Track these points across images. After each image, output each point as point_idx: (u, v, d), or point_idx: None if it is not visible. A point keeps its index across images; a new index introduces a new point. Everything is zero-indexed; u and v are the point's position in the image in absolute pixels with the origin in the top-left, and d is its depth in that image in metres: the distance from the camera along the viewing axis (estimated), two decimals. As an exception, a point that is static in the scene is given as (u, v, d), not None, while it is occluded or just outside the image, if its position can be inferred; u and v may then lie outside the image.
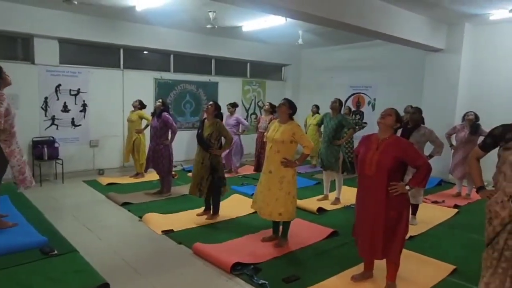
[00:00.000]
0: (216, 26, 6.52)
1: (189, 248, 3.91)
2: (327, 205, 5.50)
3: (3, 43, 6.57)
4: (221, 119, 4.87)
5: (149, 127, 6.21)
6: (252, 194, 6.03)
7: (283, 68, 10.63)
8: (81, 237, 4.09)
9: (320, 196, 5.86)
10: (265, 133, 4.29)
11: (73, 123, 7.06)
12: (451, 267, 3.51)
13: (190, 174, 7.52)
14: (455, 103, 7.12)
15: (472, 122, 5.95)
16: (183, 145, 8.31)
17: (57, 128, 6.87)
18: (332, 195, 5.82)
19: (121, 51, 7.60)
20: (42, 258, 3.41)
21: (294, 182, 3.90)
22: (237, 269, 3.42)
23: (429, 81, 7.48)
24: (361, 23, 5.49)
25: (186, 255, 3.81)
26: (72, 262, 3.39)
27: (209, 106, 4.77)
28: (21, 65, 6.47)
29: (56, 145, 6.71)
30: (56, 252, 3.49)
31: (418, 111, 4.72)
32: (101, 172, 7.40)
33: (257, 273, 3.37)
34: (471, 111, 6.04)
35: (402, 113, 7.12)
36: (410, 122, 4.72)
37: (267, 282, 3.18)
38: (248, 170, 8.11)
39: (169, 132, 5.83)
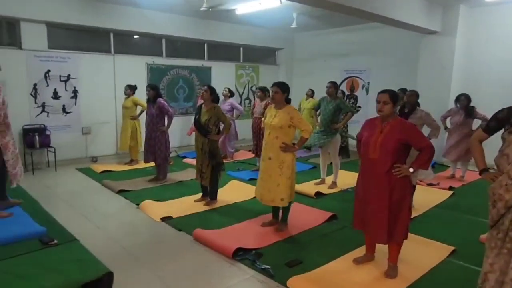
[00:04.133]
0: (211, 9, 6.36)
1: (189, 235, 3.89)
2: (324, 189, 5.52)
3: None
4: (217, 103, 4.80)
5: (144, 115, 6.09)
6: (250, 179, 6.10)
7: (276, 52, 10.51)
8: (79, 226, 4.03)
9: (317, 180, 5.87)
10: (263, 119, 4.24)
11: (64, 110, 6.90)
12: (450, 248, 3.56)
13: (187, 160, 7.54)
14: (450, 86, 7.14)
15: (465, 105, 5.96)
16: (177, 131, 8.22)
17: (47, 116, 6.71)
18: (329, 179, 5.83)
19: (111, 35, 7.40)
20: (42, 248, 3.35)
21: (293, 167, 3.88)
22: (239, 254, 3.41)
23: (424, 64, 7.47)
24: (357, 5, 5.40)
25: (186, 241, 3.79)
26: (73, 251, 3.33)
27: (204, 92, 4.68)
28: (7, 50, 6.26)
29: (47, 132, 6.58)
30: (55, 241, 3.43)
31: (415, 94, 4.71)
32: (94, 159, 7.29)
33: (259, 258, 3.37)
34: (462, 94, 6.03)
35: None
36: (406, 105, 4.71)
37: (269, 267, 3.18)
38: (243, 155, 8.09)
39: (165, 118, 5.74)
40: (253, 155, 7.61)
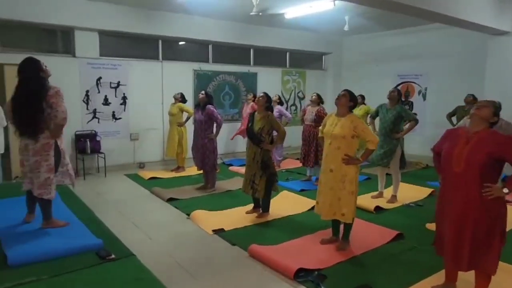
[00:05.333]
0: (261, 13, 6.16)
1: (244, 250, 3.65)
2: (383, 203, 5.11)
3: (44, 36, 6.52)
4: (272, 111, 4.56)
5: (191, 120, 5.99)
6: (301, 190, 5.80)
7: (323, 57, 10.16)
8: (131, 236, 3.91)
9: (375, 193, 5.45)
10: (320, 128, 3.95)
11: (113, 116, 6.97)
12: (547, 279, 3.07)
13: (233, 168, 7.37)
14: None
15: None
16: (223, 138, 8.06)
17: (98, 122, 6.80)
18: (387, 192, 5.41)
19: (160, 42, 7.41)
20: (99, 264, 3.22)
21: (356, 181, 3.56)
22: (300, 275, 3.12)
23: (492, 68, 6.83)
24: (421, 4, 4.99)
25: (241, 257, 3.55)
26: (131, 268, 3.19)
27: (260, 98, 4.46)
28: (62, 58, 6.40)
29: (98, 138, 6.64)
30: (113, 256, 3.30)
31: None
32: (141, 165, 7.30)
33: (323, 281, 3.07)
34: None
35: (462, 103, 6.65)
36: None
37: (337, 293, 2.87)
38: (291, 163, 7.80)
39: (214, 126, 5.58)
40: (301, 164, 7.33)
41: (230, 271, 3.29)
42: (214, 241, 3.94)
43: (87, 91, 6.62)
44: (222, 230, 4.15)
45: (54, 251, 3.29)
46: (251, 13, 6.20)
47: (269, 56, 9.15)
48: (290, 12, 6.97)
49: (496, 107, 2.59)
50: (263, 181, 4.38)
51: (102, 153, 6.58)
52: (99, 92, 6.74)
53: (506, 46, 6.64)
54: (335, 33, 9.06)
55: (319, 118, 6.02)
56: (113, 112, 6.94)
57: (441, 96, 7.98)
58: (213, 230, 4.13)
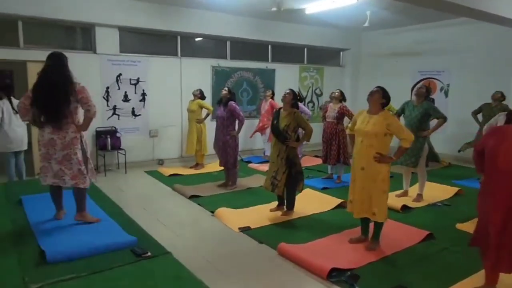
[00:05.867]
0: (282, 9, 6.08)
1: (272, 248, 3.61)
2: (409, 202, 5.00)
3: (65, 33, 6.54)
4: (298, 108, 4.49)
5: (211, 117, 5.95)
6: (323, 188, 5.73)
7: (341, 53, 10.03)
8: (157, 233, 3.88)
9: (399, 192, 5.35)
10: (349, 125, 3.87)
11: (133, 113, 6.97)
12: None
13: (252, 165, 7.32)
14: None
15: None
16: (240, 135, 7.97)
17: (118, 118, 6.80)
18: (412, 191, 5.31)
19: (179, 38, 7.38)
20: (136, 261, 3.19)
21: (388, 179, 3.49)
22: (333, 275, 3.07)
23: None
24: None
25: (271, 256, 3.50)
26: (169, 266, 3.16)
27: (286, 95, 4.39)
28: (83, 54, 6.41)
29: (118, 135, 6.65)
30: (149, 254, 3.27)
31: None
32: (160, 162, 7.30)
33: (357, 281, 3.01)
34: None
35: (489, 100, 6.48)
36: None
37: (373, 293, 2.81)
38: (310, 161, 7.73)
39: (236, 122, 5.54)
40: (321, 162, 7.26)
41: (262, 270, 3.25)
42: (241, 238, 3.90)
43: (107, 88, 6.63)
44: (248, 228, 4.11)
45: (90, 248, 3.28)
46: (272, 9, 6.13)
47: (287, 53, 9.06)
48: (311, 7, 6.86)
49: None
50: (284, 177, 4.32)
51: (122, 149, 6.58)
52: (119, 88, 6.74)
53: (534, 41, 6.46)
54: (352, 29, 8.92)
55: (341, 115, 5.94)
56: (133, 108, 6.94)
57: (464, 93, 7.81)
58: (239, 228, 4.09)
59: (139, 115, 7.03)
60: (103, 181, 5.90)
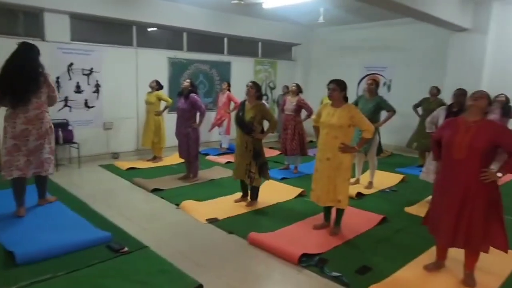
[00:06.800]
0: (243, 2, 6.15)
1: (242, 238, 3.74)
2: (362, 190, 5.40)
3: (11, 17, 6.04)
4: (261, 99, 4.61)
5: (174, 109, 5.89)
6: (282, 178, 5.95)
7: (292, 47, 10.32)
8: (124, 228, 3.82)
9: (352, 180, 5.71)
10: (314, 118, 4.08)
11: (86, 104, 6.67)
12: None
13: (210, 157, 7.34)
14: (480, 84, 7.00)
15: (504, 104, 5.90)
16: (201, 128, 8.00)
17: (70, 110, 6.47)
18: (363, 179, 5.72)
19: (134, 28, 7.15)
20: (116, 257, 3.12)
21: (350, 168, 3.76)
22: (303, 260, 3.27)
23: (453, 62, 7.36)
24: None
25: (242, 245, 3.63)
26: (150, 260, 3.12)
27: (250, 88, 4.49)
28: (31, 41, 5.94)
29: (70, 127, 6.34)
30: (127, 249, 3.21)
31: (464, 93, 4.58)
32: (115, 156, 7.08)
33: (325, 264, 3.24)
34: (502, 94, 5.98)
35: (425, 95, 7.09)
36: (455, 105, 4.59)
37: (341, 275, 3.04)
38: (266, 153, 7.86)
39: (197, 115, 5.55)
40: (277, 153, 7.51)
41: (236, 259, 3.36)
42: (210, 230, 3.98)
43: (58, 78, 6.25)
44: (216, 219, 4.19)
45: (63, 246, 3.14)
46: (232, 1, 6.18)
47: (243, 46, 9.15)
48: (269, 2, 7.00)
49: (489, 98, 2.84)
50: (257, 169, 4.46)
51: (75, 143, 6.29)
52: (70, 79, 6.40)
53: (466, 42, 7.17)
54: (306, 24, 9.22)
55: (299, 108, 6.19)
56: (86, 100, 6.64)
57: (405, 88, 8.46)
58: (207, 219, 4.16)
59: (93, 106, 6.74)
60: (56, 176, 5.57)
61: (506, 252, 2.82)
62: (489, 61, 7.08)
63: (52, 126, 4.00)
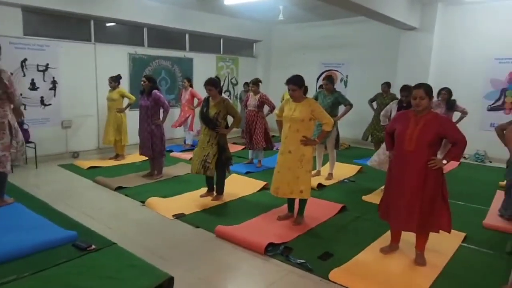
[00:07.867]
0: (204, -2, 6.18)
1: (209, 231, 3.83)
2: (322, 181, 5.65)
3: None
4: (221, 93, 4.70)
5: (136, 106, 5.82)
6: (246, 172, 6.08)
7: (254, 44, 10.45)
8: (91, 227, 3.78)
9: (313, 172, 5.96)
10: (277, 112, 4.23)
11: (42, 102, 6.42)
12: (462, 234, 3.81)
13: (174, 154, 7.32)
14: (427, 80, 7.49)
15: (447, 99, 6.35)
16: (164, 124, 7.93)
17: (25, 108, 6.18)
18: (324, 170, 5.98)
19: (92, 22, 6.96)
20: (83, 255, 3.09)
21: (311, 160, 3.95)
22: (268, 250, 3.42)
23: (403, 59, 7.82)
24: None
25: (209, 238, 3.72)
26: (118, 256, 3.10)
27: (209, 90, 4.54)
28: (-23, 36, 5.69)
29: (25, 126, 6.08)
30: (94, 247, 3.19)
31: (408, 88, 4.88)
32: (75, 155, 6.88)
33: (290, 253, 3.41)
34: (444, 88, 6.40)
35: (380, 90, 7.49)
36: (404, 100, 4.90)
37: (305, 261, 3.22)
38: (230, 148, 7.99)
39: (161, 111, 5.53)
40: (242, 147, 7.63)
41: (203, 252, 3.45)
42: (177, 225, 4.03)
43: (11, 74, 5.96)
44: (182, 214, 4.25)
45: (26, 247, 3.06)
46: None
47: (205, 42, 9.16)
48: (230, -1, 7.08)
49: (427, 91, 3.03)
50: (215, 160, 4.53)
51: (31, 142, 6.05)
52: (24, 75, 6.15)
53: (414, 40, 7.65)
54: (267, 21, 9.37)
55: (262, 104, 6.34)
56: (42, 97, 6.39)
57: (360, 84, 8.87)
58: (173, 215, 4.21)
59: (49, 104, 6.50)
60: (12, 177, 5.34)
61: (449, 232, 3.13)
62: (435, 58, 7.60)
63: (7, 122, 3.91)
